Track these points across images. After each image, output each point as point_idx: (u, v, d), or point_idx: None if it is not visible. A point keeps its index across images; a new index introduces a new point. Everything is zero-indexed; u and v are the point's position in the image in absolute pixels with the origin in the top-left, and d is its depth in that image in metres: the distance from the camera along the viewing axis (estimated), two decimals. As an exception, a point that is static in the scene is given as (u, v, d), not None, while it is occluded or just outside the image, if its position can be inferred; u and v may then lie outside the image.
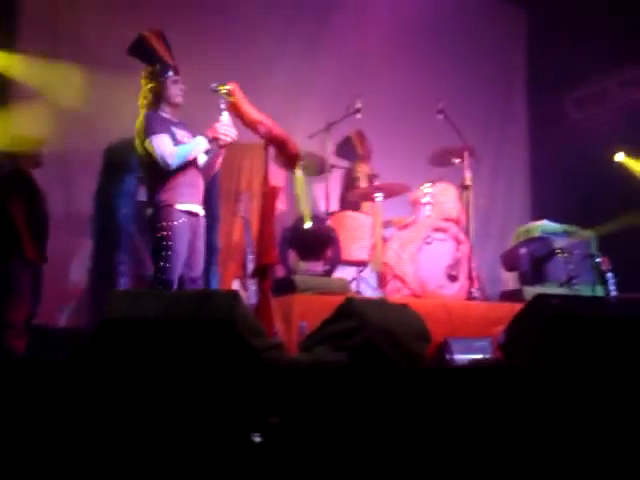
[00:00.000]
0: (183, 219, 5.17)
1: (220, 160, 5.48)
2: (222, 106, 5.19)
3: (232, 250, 7.19)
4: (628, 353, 4.40)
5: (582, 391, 3.96)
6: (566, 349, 4.32)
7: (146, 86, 5.30)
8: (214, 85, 5.14)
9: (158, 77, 5.26)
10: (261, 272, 4.81)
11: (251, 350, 3.40)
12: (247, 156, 7.89)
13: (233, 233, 7.34)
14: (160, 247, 5.06)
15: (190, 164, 5.27)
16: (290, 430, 3.18)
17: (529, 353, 4.44)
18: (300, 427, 3.27)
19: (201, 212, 5.39)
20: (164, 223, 5.09)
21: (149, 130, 5.14)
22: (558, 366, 4.25)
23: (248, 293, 6.18)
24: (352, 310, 3.93)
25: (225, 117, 5.22)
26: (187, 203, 5.25)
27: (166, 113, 5.34)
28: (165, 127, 5.23)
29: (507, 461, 3.49)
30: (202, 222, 5.41)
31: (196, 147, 5.25)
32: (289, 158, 5.13)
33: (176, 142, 5.23)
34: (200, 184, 5.41)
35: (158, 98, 5.29)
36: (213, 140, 5.25)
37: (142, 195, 5.92)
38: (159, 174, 5.17)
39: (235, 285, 6.14)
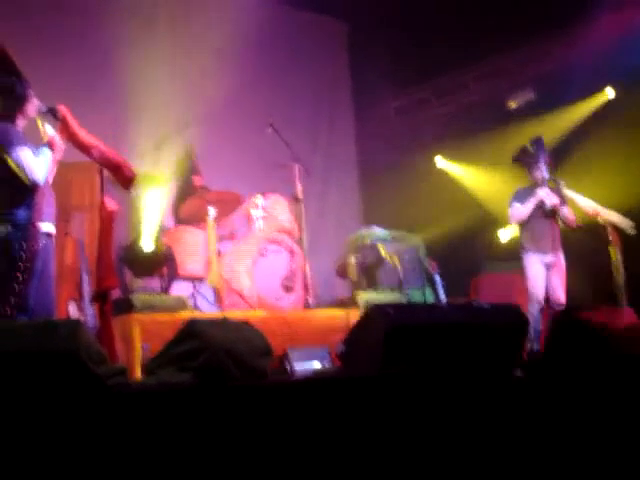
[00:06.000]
0: (44, 241, 4.87)
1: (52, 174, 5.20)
2: (48, 128, 5.03)
3: (65, 272, 7.05)
4: (462, 356, 4.66)
5: (422, 397, 4.17)
6: (404, 356, 4.53)
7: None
8: (44, 107, 5.02)
9: (19, 91, 4.94)
10: (101, 297, 4.77)
11: (96, 379, 3.41)
12: (76, 175, 7.76)
13: (65, 254, 7.20)
14: (17, 268, 4.69)
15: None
16: (143, 454, 3.20)
17: (368, 362, 4.62)
18: (152, 450, 3.30)
19: (54, 231, 5.08)
20: (25, 243, 4.73)
21: (10, 143, 4.81)
22: (397, 374, 4.46)
23: (85, 316, 6.09)
24: (194, 331, 3.99)
25: (50, 129, 5.03)
26: (48, 222, 4.95)
27: (19, 127, 5.00)
28: (24, 140, 4.91)
29: (356, 469, 3.64)
30: (53, 244, 5.09)
31: (49, 159, 4.94)
32: (125, 181, 5.07)
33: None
34: (54, 202, 5.12)
35: (16, 112, 4.96)
36: (53, 151, 4.97)
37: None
38: (18, 189, 4.81)
39: (71, 308, 6.04)
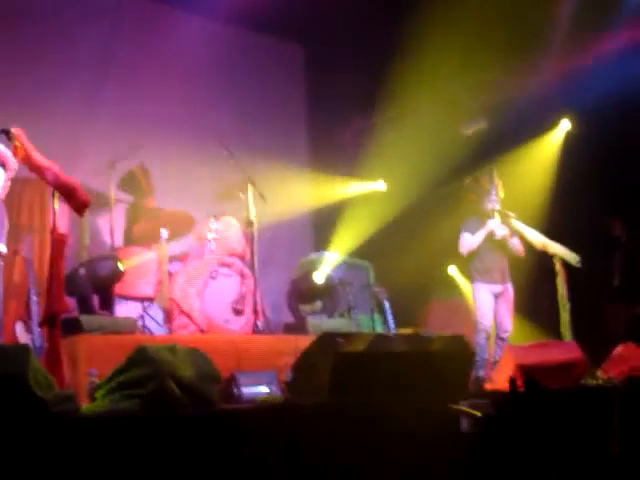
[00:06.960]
0: None
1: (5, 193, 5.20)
2: (1, 147, 5.01)
3: (14, 291, 6.96)
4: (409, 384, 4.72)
5: (367, 425, 4.22)
6: (350, 383, 4.58)
7: None
8: None
9: None
10: (51, 320, 4.72)
11: (43, 404, 3.40)
12: (26, 191, 7.68)
13: (14, 273, 7.11)
14: None
15: None
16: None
17: (315, 389, 4.67)
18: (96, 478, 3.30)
19: (4, 250, 5.11)
20: None
21: None
22: (343, 401, 4.50)
23: (33, 336, 6.01)
24: (144, 358, 3.99)
25: (3, 149, 5.04)
26: None
27: None
28: None
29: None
30: (2, 263, 5.12)
31: (1, 179, 4.98)
32: (78, 205, 5.02)
33: None
34: (6, 220, 5.16)
35: None
36: (6, 170, 5.02)
37: None
38: None
39: (19, 328, 5.96)
